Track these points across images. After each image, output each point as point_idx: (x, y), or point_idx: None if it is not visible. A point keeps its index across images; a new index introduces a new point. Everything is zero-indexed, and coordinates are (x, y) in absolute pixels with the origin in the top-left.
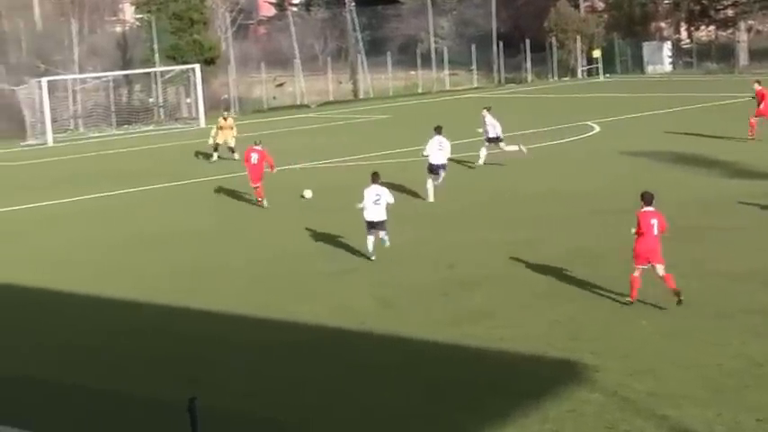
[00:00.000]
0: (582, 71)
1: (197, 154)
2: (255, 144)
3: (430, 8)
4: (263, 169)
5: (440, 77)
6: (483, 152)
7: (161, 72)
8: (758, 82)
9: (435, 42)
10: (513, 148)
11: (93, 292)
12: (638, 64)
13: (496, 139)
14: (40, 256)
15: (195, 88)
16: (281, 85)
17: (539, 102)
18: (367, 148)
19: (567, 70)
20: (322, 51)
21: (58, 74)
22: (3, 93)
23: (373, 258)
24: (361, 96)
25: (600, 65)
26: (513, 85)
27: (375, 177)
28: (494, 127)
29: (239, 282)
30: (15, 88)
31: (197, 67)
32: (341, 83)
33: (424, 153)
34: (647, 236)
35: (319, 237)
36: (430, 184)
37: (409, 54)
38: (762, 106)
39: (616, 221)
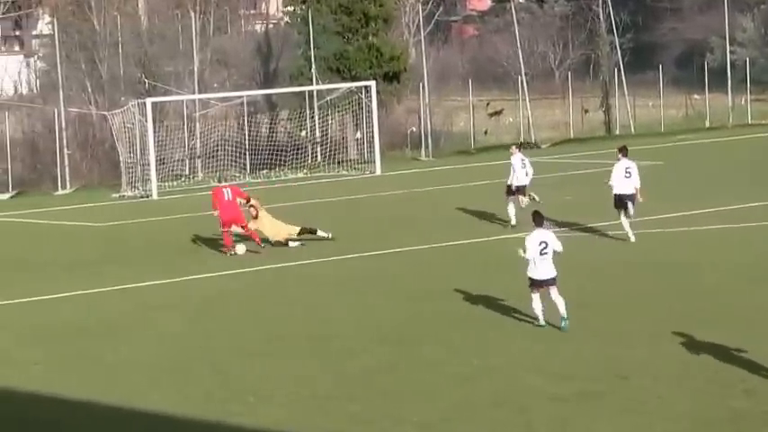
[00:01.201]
0: None
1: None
2: (220, 181)
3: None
4: (238, 209)
5: (738, 105)
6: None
7: (319, 92)
8: None
9: (732, 52)
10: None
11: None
12: None
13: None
14: (136, 358)
15: (369, 117)
16: (496, 113)
17: None
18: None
19: None
20: (559, 64)
21: (168, 92)
22: (88, 119)
23: (542, 323)
24: (617, 132)
25: None
26: None
27: (537, 219)
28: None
29: (444, 402)
30: (107, 113)
31: (373, 84)
32: (587, 111)
33: (609, 182)
34: None
35: (541, 337)
36: (625, 221)
37: (691, 69)
38: None
39: None
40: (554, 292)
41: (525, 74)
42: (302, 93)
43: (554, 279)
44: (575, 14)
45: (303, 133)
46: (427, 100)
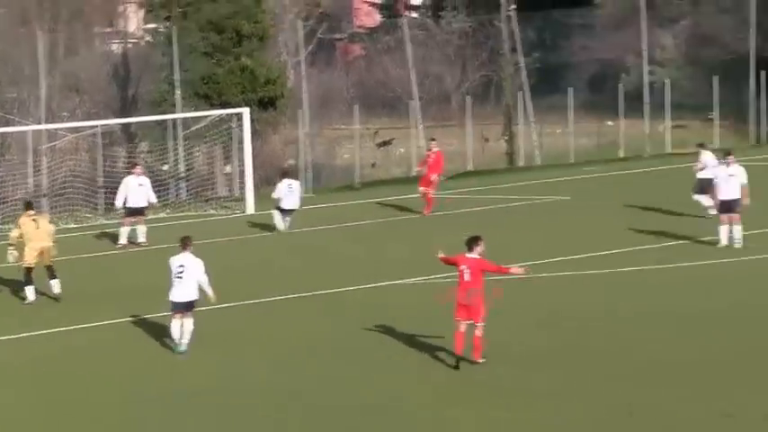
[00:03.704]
0: None
1: None
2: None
3: (644, 14)
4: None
5: (656, 131)
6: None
7: (184, 121)
8: None
9: (651, 73)
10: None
11: None
12: None
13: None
14: None
15: (241, 148)
16: (385, 143)
17: None
18: (522, 252)
19: None
20: (457, 87)
21: (11, 122)
22: None
23: (182, 350)
24: (521, 163)
25: None
26: None
27: (185, 243)
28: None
29: None
30: None
31: (245, 112)
32: (487, 140)
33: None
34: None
35: None
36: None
37: (605, 92)
38: None
39: None
40: (188, 324)
41: (419, 97)
42: (165, 122)
43: (193, 303)
44: (475, 31)
45: (165, 167)
46: (307, 128)
